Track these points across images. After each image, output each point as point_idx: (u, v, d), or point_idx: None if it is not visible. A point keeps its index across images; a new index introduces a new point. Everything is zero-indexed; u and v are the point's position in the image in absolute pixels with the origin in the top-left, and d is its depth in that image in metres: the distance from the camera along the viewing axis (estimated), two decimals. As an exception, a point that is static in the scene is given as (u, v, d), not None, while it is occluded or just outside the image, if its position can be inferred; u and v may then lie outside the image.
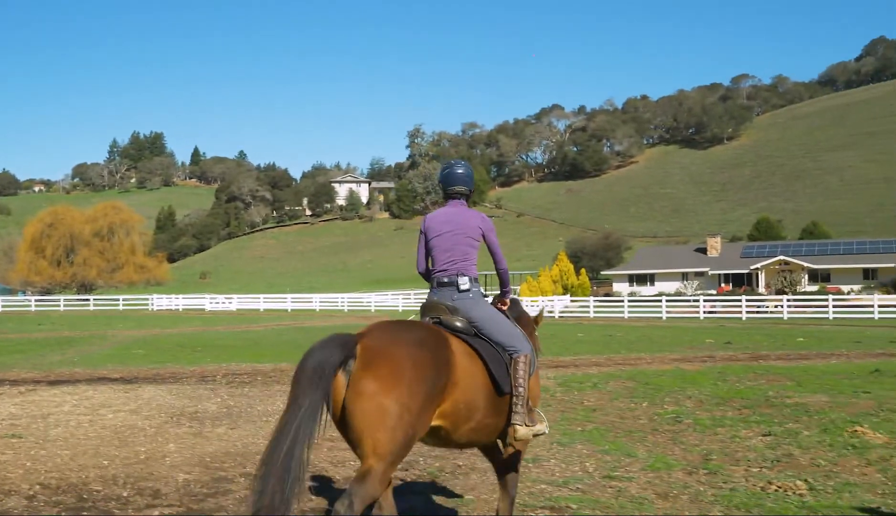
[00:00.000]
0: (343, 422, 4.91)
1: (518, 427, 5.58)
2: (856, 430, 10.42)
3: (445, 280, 5.87)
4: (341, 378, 4.81)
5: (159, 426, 11.89)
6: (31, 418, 12.73)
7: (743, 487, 7.80)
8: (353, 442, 4.92)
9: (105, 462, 9.28)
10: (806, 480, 7.97)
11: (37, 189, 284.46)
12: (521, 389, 5.63)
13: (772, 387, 15.15)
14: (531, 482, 8.10)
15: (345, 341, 4.88)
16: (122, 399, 15.15)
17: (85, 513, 7.17)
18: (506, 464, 5.94)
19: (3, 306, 75.84)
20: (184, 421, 12.31)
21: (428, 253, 6.14)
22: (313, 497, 7.71)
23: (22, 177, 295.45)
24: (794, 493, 7.50)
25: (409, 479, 8.40)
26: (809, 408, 12.51)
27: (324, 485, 8.19)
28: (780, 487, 7.67)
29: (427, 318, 5.79)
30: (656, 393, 14.64)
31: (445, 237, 5.97)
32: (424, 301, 5.97)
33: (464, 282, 5.84)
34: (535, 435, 5.74)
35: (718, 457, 9.25)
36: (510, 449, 5.82)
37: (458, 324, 5.67)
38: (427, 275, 6.17)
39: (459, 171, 6.22)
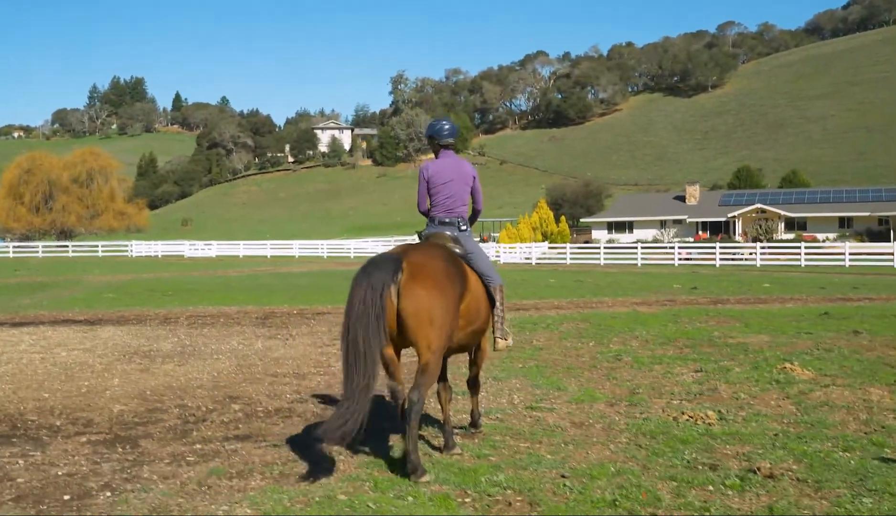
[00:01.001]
0: (398, 327, 6.05)
1: (499, 340, 7.12)
2: (785, 367, 10.72)
3: (447, 220, 7.07)
4: (393, 289, 5.92)
5: (109, 363, 12.09)
6: (-17, 356, 12.91)
7: (657, 417, 8.09)
8: (409, 342, 6.20)
9: (46, 395, 9.49)
10: (719, 411, 8.26)
11: (16, 135, 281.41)
12: (501, 311, 7.10)
13: (719, 329, 15.48)
14: (455, 412, 8.35)
15: (394, 258, 6.05)
16: (80, 339, 15.33)
17: (14, 439, 7.38)
18: (476, 372, 7.40)
19: (-19, 252, 75.72)
20: (135, 359, 12.52)
21: (429, 196, 7.18)
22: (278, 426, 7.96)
23: (0, 122, 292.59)
24: (703, 422, 7.78)
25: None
26: (749, 348, 12.83)
27: (287, 417, 8.43)
28: (691, 417, 7.95)
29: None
30: (605, 334, 14.93)
31: (450, 185, 7.08)
32: (427, 232, 7.12)
33: (464, 223, 7.14)
34: (508, 348, 7.30)
35: (645, 391, 9.54)
36: (481, 357, 7.32)
37: (459, 250, 6.88)
38: (426, 213, 7.25)
39: (448, 127, 7.31)
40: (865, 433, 7.31)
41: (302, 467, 6.30)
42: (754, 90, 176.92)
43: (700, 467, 6.24)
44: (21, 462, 6.62)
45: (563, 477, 5.94)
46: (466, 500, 5.50)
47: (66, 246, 79.80)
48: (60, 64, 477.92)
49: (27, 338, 15.36)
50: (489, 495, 5.57)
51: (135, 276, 40.59)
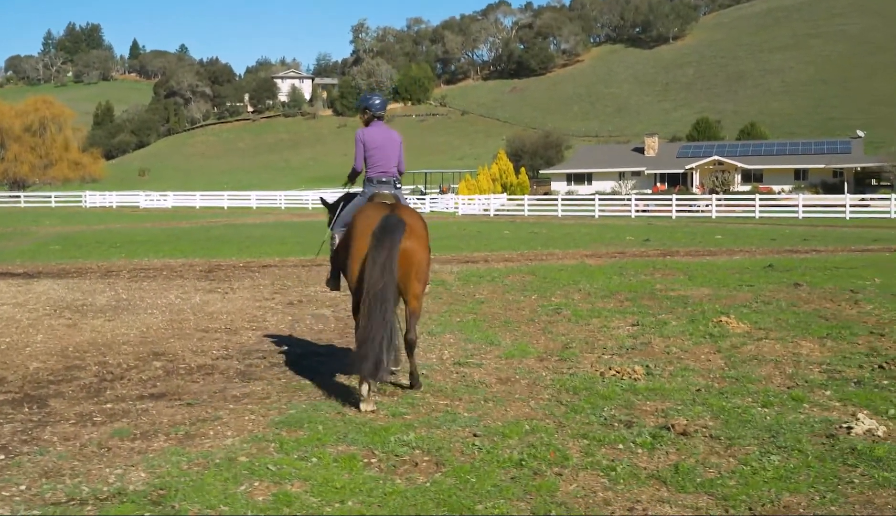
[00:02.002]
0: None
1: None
2: (721, 321, 10.71)
3: (384, 179, 7.97)
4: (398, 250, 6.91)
5: (37, 318, 11.78)
6: None
7: (584, 372, 8.01)
8: (401, 289, 7.13)
9: (-39, 352, 9.20)
10: (647, 366, 8.21)
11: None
12: None
13: (663, 281, 15.48)
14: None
15: (401, 221, 7.04)
16: (13, 292, 14.94)
17: (-82, 400, 7.12)
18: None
19: (-71, 203, 74.03)
20: (65, 314, 12.21)
21: (364, 158, 8.02)
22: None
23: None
24: (629, 377, 7.71)
25: (263, 365, 8.47)
26: (689, 301, 12.82)
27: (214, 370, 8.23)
28: (617, 372, 7.88)
29: (377, 202, 7.68)
30: (549, 287, 14.86)
31: (383, 149, 8.02)
32: (370, 190, 7.93)
33: (398, 182, 8.15)
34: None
35: (578, 346, 9.47)
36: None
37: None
38: (356, 173, 8.27)
39: (379, 101, 8.39)
40: (788, 387, 7.28)
41: (210, 427, 6.13)
42: (715, 42, 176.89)
43: (616, 425, 6.17)
44: (-81, 423, 6.37)
45: (474, 436, 5.83)
46: (373, 460, 5.36)
47: (18, 196, 78.20)
48: (14, 9, 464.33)
49: (-42, 292, 14.95)
50: (396, 455, 5.43)
51: (86, 228, 39.87)
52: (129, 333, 10.53)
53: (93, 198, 75.82)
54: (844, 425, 5.96)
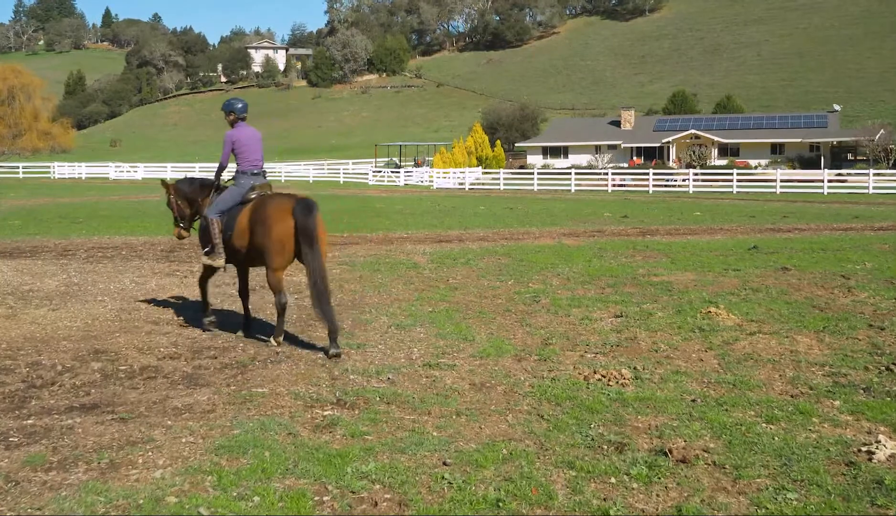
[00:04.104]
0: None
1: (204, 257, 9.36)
2: (710, 311, 10.04)
3: (256, 171, 9.26)
4: None
5: (-25, 308, 10.89)
6: None
7: (566, 376, 7.28)
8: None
9: None
10: (635, 368, 7.50)
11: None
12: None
13: (645, 265, 14.81)
14: (341, 372, 7.43)
15: (314, 202, 8.46)
16: (-44, 276, 14.02)
17: None
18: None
19: None
20: (7, 301, 11.32)
21: (235, 154, 9.19)
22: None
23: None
24: (616, 383, 7.00)
25: (213, 367, 7.66)
26: (673, 287, 12.14)
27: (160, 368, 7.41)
28: (603, 376, 7.16)
29: (259, 192, 9.06)
30: (526, 271, 14.13)
31: (251, 146, 9.26)
32: (251, 182, 9.16)
33: (265, 173, 9.39)
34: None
35: (559, 341, 8.75)
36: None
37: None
38: (223, 169, 9.44)
39: (241, 105, 9.55)
40: (792, 396, 6.59)
41: (140, 453, 5.33)
42: (691, 14, 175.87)
43: (605, 447, 5.43)
44: None
45: (444, 464, 5.07)
46: (325, 498, 4.59)
47: (-16, 165, 76.41)
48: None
49: None
50: (353, 492, 4.66)
51: (51, 200, 38.71)
52: (72, 326, 9.68)
53: (62, 170, 74.29)
54: (864, 448, 5.27)
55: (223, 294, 11.97)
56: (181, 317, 10.15)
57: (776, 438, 5.55)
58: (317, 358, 8.00)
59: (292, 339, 9.00)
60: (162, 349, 8.48)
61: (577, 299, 11.31)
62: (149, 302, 11.35)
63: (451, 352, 8.25)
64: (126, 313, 10.49)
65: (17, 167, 74.12)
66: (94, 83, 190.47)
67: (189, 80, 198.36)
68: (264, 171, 9.34)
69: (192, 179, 10.03)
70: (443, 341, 8.75)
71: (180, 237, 10.01)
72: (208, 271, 9.46)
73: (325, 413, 6.16)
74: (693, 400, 6.47)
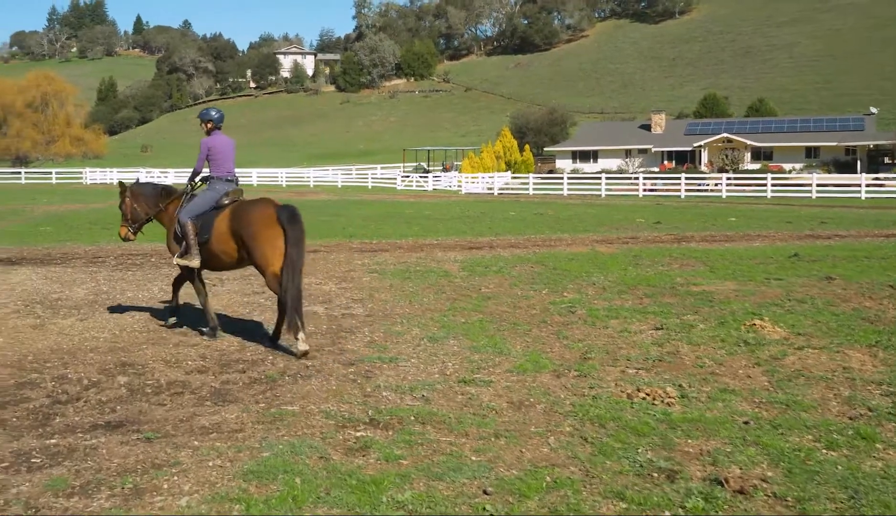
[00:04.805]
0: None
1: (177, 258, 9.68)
2: (754, 324, 9.66)
3: (230, 178, 9.67)
4: None
5: (2, 316, 10.76)
6: None
7: (608, 394, 6.95)
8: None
9: None
10: (680, 386, 7.16)
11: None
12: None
13: (682, 273, 14.41)
14: (374, 388, 7.16)
15: (297, 209, 8.97)
16: (-15, 284, 13.93)
17: None
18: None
19: (-72, 179, 73.11)
20: (36, 311, 11.19)
21: (209, 162, 9.61)
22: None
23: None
24: (661, 402, 6.67)
25: (241, 382, 7.42)
26: (714, 298, 11.75)
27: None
28: (647, 395, 6.83)
29: (232, 198, 9.50)
30: (560, 280, 13.80)
31: (225, 154, 9.66)
32: (225, 188, 9.56)
33: (237, 179, 9.87)
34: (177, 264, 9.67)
35: (598, 355, 8.42)
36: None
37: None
38: (198, 174, 9.74)
39: (218, 115, 9.83)
40: (850, 419, 6.22)
41: (165, 478, 5.08)
42: (722, 17, 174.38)
43: (655, 475, 5.11)
44: None
45: (485, 493, 4.78)
46: (360, 531, 4.32)
47: (19, 172, 77.10)
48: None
49: (-74, 283, 13.93)
50: (389, 524, 4.39)
51: (83, 206, 38.85)
52: (99, 337, 9.50)
53: (93, 175, 74.74)
54: (935, 479, 4.90)
55: (253, 304, 11.77)
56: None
57: (839, 466, 5.19)
58: (348, 372, 7.73)
59: (321, 349, 8.75)
60: (190, 362, 8.25)
61: (615, 310, 10.97)
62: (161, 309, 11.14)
63: (486, 367, 7.95)
64: (154, 323, 10.31)
65: (50, 173, 74.75)
66: (125, 89, 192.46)
67: (218, 86, 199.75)
68: (236, 178, 9.80)
69: (151, 183, 10.49)
70: (477, 355, 8.45)
71: (126, 239, 10.33)
72: (185, 274, 9.80)
73: (358, 434, 5.88)
74: (745, 423, 6.12)
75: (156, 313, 11.02)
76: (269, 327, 10.04)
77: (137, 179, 10.75)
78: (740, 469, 5.15)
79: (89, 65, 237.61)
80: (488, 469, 5.19)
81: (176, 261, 9.55)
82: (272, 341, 9.11)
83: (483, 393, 7.04)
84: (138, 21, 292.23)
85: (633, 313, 10.72)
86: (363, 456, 5.43)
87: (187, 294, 10.85)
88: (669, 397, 6.78)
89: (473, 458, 5.39)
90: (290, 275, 8.54)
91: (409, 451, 5.53)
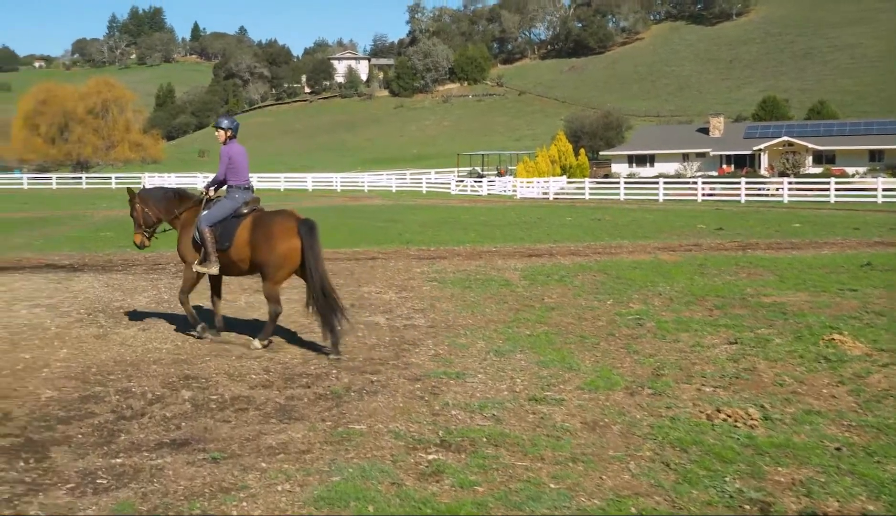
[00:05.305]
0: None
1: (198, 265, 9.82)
2: (833, 338, 9.25)
3: (247, 186, 9.80)
4: None
5: (66, 325, 10.79)
6: (-68, 315, 11.63)
7: (686, 415, 6.65)
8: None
9: (-29, 374, 8.17)
10: (762, 406, 6.83)
11: (37, 65, 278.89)
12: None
13: (751, 283, 13.98)
14: (442, 406, 6.95)
15: (314, 222, 9.25)
16: (50, 290, 14.07)
17: None
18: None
19: (-4, 184, 75.02)
20: (98, 319, 11.22)
21: (228, 169, 9.68)
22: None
23: (22, 52, 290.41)
24: (743, 424, 6.36)
25: (306, 398, 7.26)
26: (787, 310, 11.34)
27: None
28: (729, 416, 6.52)
29: (251, 207, 9.66)
30: (625, 290, 13.48)
31: (243, 162, 9.81)
32: (244, 197, 9.66)
33: (252, 187, 9.98)
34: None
35: (671, 372, 8.11)
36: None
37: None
38: (221, 183, 9.85)
39: (236, 124, 9.96)
40: (950, 446, 5.85)
41: (233, 504, 4.92)
42: (780, 18, 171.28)
43: (747, 507, 4.81)
44: None
45: (567, 526, 4.54)
46: (438, 566, 4.10)
47: (80, 177, 78.78)
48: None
49: (-7, 290, 14.09)
50: (468, 559, 4.16)
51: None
52: (161, 348, 9.45)
53: (152, 180, 75.86)
54: None
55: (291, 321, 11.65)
56: (271, 340, 9.81)
57: (947, 501, 4.85)
58: (414, 389, 7.54)
59: (385, 363, 8.58)
60: (253, 376, 8.13)
61: (684, 322, 10.63)
62: (238, 321, 11.08)
63: (556, 384, 7.69)
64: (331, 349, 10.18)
65: (110, 178, 76.18)
66: (183, 95, 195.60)
67: (274, 92, 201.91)
68: (252, 186, 9.95)
69: (162, 188, 10.57)
70: (546, 370, 8.20)
71: (142, 246, 10.42)
72: (190, 276, 9.96)
73: (430, 457, 5.67)
74: (837, 449, 5.78)
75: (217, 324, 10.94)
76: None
77: (143, 186, 11.02)
78: (838, 501, 4.84)
79: (148, 71, 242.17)
80: (568, 498, 4.95)
81: (196, 268, 9.70)
82: (333, 349, 9.03)
83: (555, 412, 6.78)
84: (195, 28, 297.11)
85: (704, 326, 10.37)
86: (436, 481, 5.22)
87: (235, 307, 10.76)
88: (752, 419, 6.47)
89: (552, 486, 5.15)
90: (316, 286, 8.94)
91: (485, 477, 5.31)
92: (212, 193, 9.94)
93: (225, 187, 9.88)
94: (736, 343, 9.35)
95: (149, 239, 10.44)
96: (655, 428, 6.31)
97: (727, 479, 5.24)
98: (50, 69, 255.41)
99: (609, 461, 5.63)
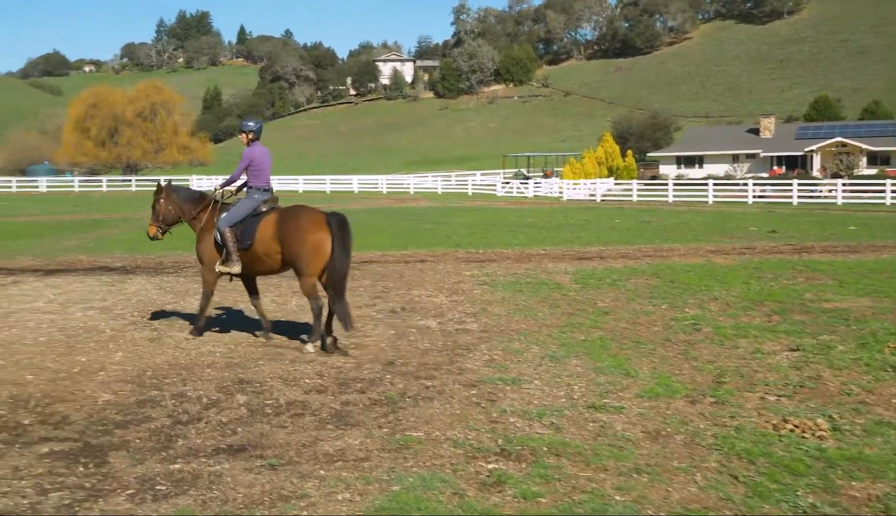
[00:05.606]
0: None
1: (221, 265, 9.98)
2: (899, 346, 8.98)
3: (267, 188, 9.99)
4: None
5: (121, 328, 10.87)
6: (-9, 317, 11.80)
7: (752, 425, 6.46)
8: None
9: (30, 377, 8.24)
10: (830, 416, 6.61)
11: (87, 69, 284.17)
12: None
13: (810, 288, 13.66)
14: (499, 413, 6.83)
15: (344, 216, 9.45)
16: (103, 293, 14.22)
17: (-35, 449, 6.11)
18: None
19: (47, 187, 76.45)
20: (153, 323, 11.28)
21: (247, 171, 9.92)
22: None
23: (72, 57, 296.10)
24: (812, 435, 6.16)
25: (361, 404, 7.20)
26: (849, 315, 11.04)
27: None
28: (796, 426, 6.32)
29: (271, 205, 9.87)
30: (679, 294, 13.25)
31: (264, 164, 9.95)
32: (262, 197, 9.86)
33: (272, 189, 10.14)
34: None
35: (732, 379, 7.91)
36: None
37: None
38: (234, 180, 10.23)
39: (259, 126, 10.15)
40: None
41: (295, 513, 4.85)
42: (833, 16, 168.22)
43: (824, 524, 4.64)
44: (-46, 487, 5.32)
45: (636, 541, 4.40)
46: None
47: (130, 180, 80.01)
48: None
49: (48, 292, 14.30)
50: (535, 574, 4.05)
51: (189, 214, 39.68)
52: (215, 351, 9.46)
53: (200, 182, 76.77)
54: None
55: (365, 317, 11.60)
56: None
57: None
58: (470, 395, 7.43)
59: (439, 368, 8.49)
60: (307, 380, 8.09)
61: (743, 328, 10.39)
62: (289, 324, 11.07)
63: (614, 391, 7.54)
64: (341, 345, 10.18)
65: (159, 180, 77.18)
66: (229, 98, 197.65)
67: (319, 94, 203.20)
68: (272, 188, 10.14)
69: (188, 188, 10.97)
70: (603, 377, 8.04)
71: (154, 238, 10.65)
72: (210, 288, 10.27)
73: (490, 466, 5.56)
74: (914, 463, 5.57)
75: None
76: (383, 343, 9.85)
77: (169, 182, 11.16)
78: (920, 520, 4.64)
79: (195, 74, 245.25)
80: (636, 510, 4.81)
81: (218, 268, 9.86)
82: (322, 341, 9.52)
83: (615, 420, 6.64)
84: (242, 31, 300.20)
85: (763, 332, 10.13)
86: (499, 492, 5.11)
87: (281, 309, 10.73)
88: (821, 430, 6.26)
89: (618, 498, 5.01)
90: (336, 279, 9.23)
91: (547, 488, 5.18)
92: (227, 191, 10.33)
93: (245, 189, 10.13)
94: (798, 350, 9.11)
95: (162, 233, 10.64)
96: (720, 439, 6.14)
97: (799, 493, 5.06)
98: (99, 73, 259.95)
99: (674, 472, 5.47)
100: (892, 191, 44.55)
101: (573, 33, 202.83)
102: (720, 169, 71.10)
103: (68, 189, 75.80)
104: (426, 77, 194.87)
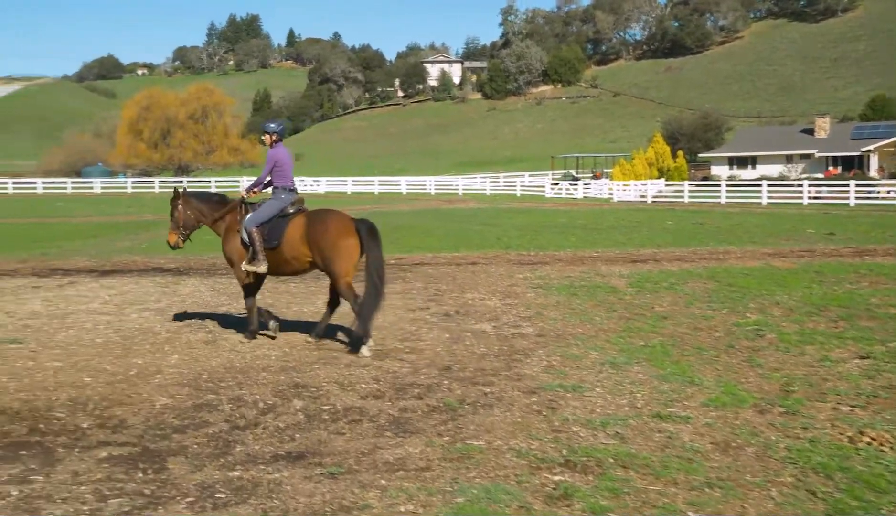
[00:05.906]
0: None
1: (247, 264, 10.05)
2: (976, 354, 8.62)
3: (292, 189, 10.14)
4: None
5: (176, 330, 10.89)
6: (49, 317, 11.92)
7: (826, 437, 6.21)
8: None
9: (87, 379, 8.25)
10: (909, 430, 6.33)
11: (140, 72, 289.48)
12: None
13: (875, 293, 13.25)
14: (562, 422, 6.65)
15: (373, 223, 9.69)
16: (158, 294, 14.31)
17: (24, 451, 6.10)
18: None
19: (101, 188, 77.86)
20: (206, 325, 11.28)
21: (273, 173, 10.08)
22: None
23: (125, 60, 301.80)
24: (891, 449, 5.89)
25: (420, 411, 7.06)
26: (919, 321, 10.66)
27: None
28: (873, 439, 6.05)
29: (297, 206, 9.99)
30: (739, 298, 12.93)
31: (288, 166, 10.17)
32: (290, 198, 10.01)
33: (296, 189, 10.31)
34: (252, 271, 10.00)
35: (801, 388, 7.64)
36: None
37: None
38: (261, 182, 10.26)
39: (283, 127, 10.47)
40: None
41: (355, 523, 4.74)
42: (889, 13, 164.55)
43: (913, 546, 4.40)
44: (15, 491, 5.30)
45: (715, 562, 4.20)
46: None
47: (181, 181, 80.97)
48: (181, 3, 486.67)
49: (104, 293, 14.42)
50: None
51: (240, 216, 40.00)
52: (270, 355, 9.41)
53: (249, 184, 77.62)
54: None
55: (419, 320, 11.47)
56: (380, 347, 9.66)
57: None
58: (531, 402, 7.26)
59: (497, 374, 8.33)
60: (363, 385, 7.98)
61: (808, 334, 10.08)
62: (344, 328, 10.98)
63: (679, 400, 7.31)
64: (322, 340, 10.13)
65: (210, 181, 78.14)
66: (279, 100, 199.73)
67: (367, 96, 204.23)
68: (296, 188, 10.31)
69: (205, 192, 11.14)
70: (666, 385, 7.81)
71: (175, 246, 10.63)
72: (252, 288, 10.29)
73: (556, 478, 5.39)
74: None
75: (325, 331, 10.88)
76: (438, 347, 9.71)
77: (185, 188, 11.08)
78: None
79: (245, 77, 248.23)
80: (711, 528, 4.61)
81: (245, 267, 9.93)
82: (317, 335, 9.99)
83: (682, 430, 6.42)
84: (291, 34, 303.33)
85: (830, 338, 9.81)
86: (566, 505, 4.93)
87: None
88: (900, 444, 5.98)
89: (690, 514, 4.81)
90: (373, 286, 9.37)
91: (617, 502, 4.99)
92: (250, 195, 10.44)
93: (270, 189, 10.22)
94: (868, 357, 8.79)
95: (183, 240, 10.63)
96: (794, 452, 5.89)
97: (884, 512, 4.82)
98: (152, 76, 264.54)
99: (748, 487, 5.25)
100: (954, 193, 43.36)
101: (622, 33, 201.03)
102: (774, 169, 69.84)
103: (122, 190, 77.02)
104: (474, 78, 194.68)
